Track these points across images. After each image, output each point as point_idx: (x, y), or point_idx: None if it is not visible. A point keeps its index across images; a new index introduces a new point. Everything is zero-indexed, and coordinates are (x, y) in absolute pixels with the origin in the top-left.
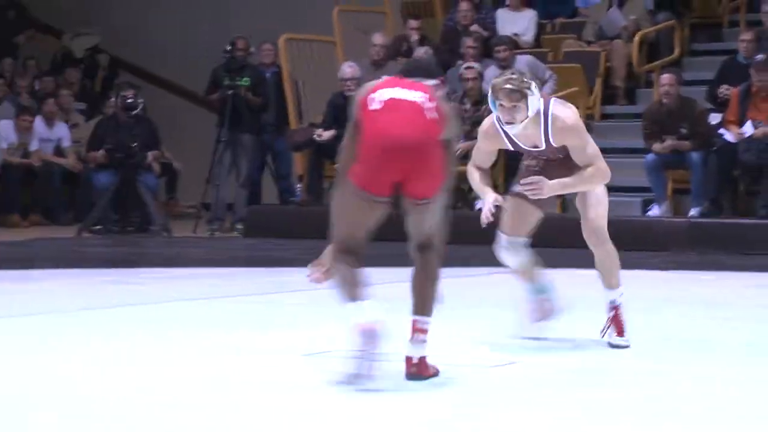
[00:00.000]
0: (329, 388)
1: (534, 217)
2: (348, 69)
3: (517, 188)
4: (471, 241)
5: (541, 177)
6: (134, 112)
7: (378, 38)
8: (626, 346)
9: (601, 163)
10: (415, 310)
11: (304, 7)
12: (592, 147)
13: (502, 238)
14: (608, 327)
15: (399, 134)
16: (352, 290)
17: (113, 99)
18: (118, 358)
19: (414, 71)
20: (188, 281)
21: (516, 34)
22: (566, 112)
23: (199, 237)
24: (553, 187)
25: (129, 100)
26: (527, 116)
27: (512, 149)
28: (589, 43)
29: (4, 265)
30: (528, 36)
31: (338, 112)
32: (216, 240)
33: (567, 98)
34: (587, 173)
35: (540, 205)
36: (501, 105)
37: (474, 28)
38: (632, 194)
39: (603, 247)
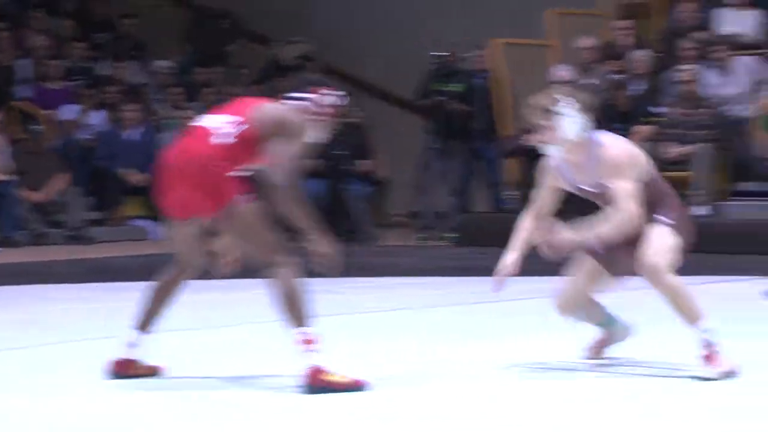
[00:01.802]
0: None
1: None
2: (561, 72)
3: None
4: None
5: (555, 228)
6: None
7: (586, 41)
8: (714, 379)
9: (625, 205)
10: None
11: (513, 11)
12: (627, 186)
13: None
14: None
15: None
16: None
17: None
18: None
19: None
20: (395, 290)
21: (736, 35)
22: (617, 144)
23: (410, 246)
24: (567, 239)
25: None
26: (563, 137)
27: (571, 189)
28: None
29: None
30: (751, 36)
31: None
32: (427, 249)
33: None
34: (603, 220)
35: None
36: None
37: (695, 30)
38: None
39: (662, 285)
